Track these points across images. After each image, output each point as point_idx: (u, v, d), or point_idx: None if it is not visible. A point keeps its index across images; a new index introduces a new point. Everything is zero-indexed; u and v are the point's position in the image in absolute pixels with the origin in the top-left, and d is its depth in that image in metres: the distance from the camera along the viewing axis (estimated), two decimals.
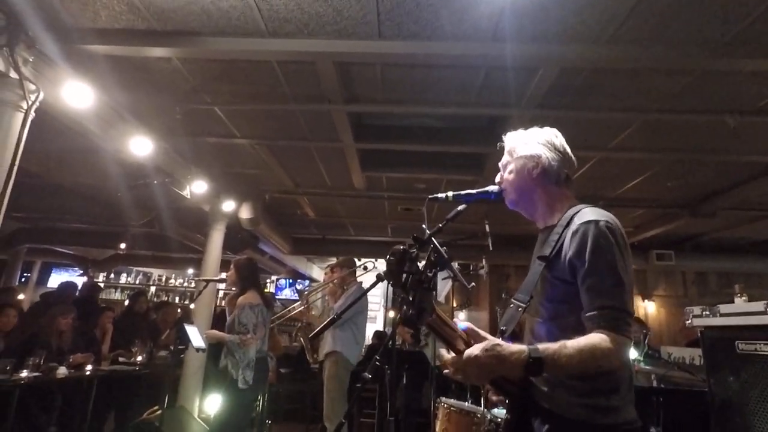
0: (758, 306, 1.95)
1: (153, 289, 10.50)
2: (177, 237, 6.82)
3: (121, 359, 4.70)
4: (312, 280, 10.03)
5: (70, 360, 4.07)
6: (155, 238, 7.50)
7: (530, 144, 1.41)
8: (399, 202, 5.65)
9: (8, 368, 3.35)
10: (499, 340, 1.11)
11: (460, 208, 1.43)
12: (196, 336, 3.50)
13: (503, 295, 4.88)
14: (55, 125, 3.10)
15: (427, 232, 1.45)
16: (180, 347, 3.99)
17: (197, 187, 4.54)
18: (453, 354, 1.13)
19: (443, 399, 3.10)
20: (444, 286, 7.52)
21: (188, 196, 4.61)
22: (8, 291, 5.50)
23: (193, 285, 10.18)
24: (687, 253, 6.80)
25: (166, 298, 10.01)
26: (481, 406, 2.87)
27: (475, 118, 3.76)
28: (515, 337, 1.29)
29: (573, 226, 1.24)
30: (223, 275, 3.58)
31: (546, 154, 1.38)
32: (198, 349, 3.48)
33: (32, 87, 2.56)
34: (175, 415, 4.28)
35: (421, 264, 0.99)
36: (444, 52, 2.58)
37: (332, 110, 3.34)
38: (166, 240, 7.21)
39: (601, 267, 1.17)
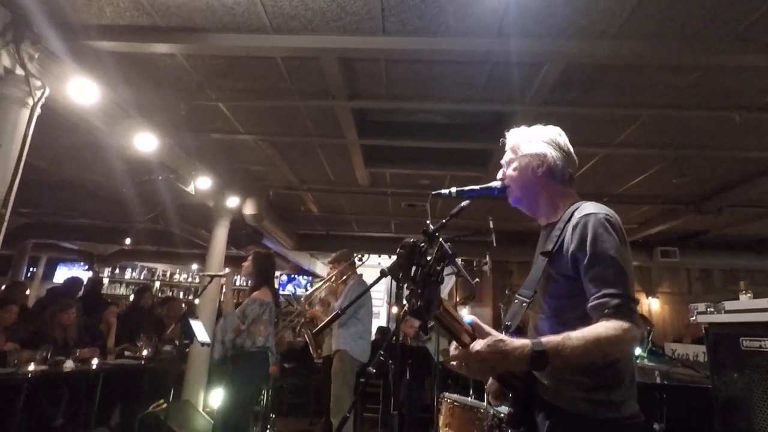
0: (763, 303, 1.94)
1: (157, 284, 10.56)
2: (181, 233, 6.85)
3: (126, 353, 4.75)
4: (315, 275, 10.05)
5: (77, 354, 4.11)
6: (160, 234, 7.55)
7: (535, 142, 1.40)
8: (402, 198, 5.65)
9: (15, 362, 3.39)
10: (503, 336, 1.11)
11: (463, 203, 1.43)
12: (200, 331, 3.52)
13: (506, 292, 4.88)
14: (61, 121, 3.12)
15: (431, 227, 1.45)
16: (185, 342, 4.02)
17: (202, 183, 4.56)
18: (459, 348, 1.13)
19: (446, 394, 3.12)
20: (447, 282, 7.53)
21: (193, 192, 4.63)
22: (18, 285, 5.56)
23: (197, 280, 10.24)
24: (691, 250, 6.77)
25: (170, 294, 10.06)
26: (484, 401, 2.88)
27: (479, 114, 3.75)
28: (520, 332, 1.29)
29: (573, 221, 1.25)
30: (227, 270, 3.59)
31: (551, 153, 1.37)
32: (203, 344, 3.50)
33: (38, 83, 2.58)
34: (180, 408, 4.32)
35: (430, 258, 1.00)
36: (448, 47, 2.57)
37: (336, 106, 3.34)
38: (170, 235, 7.25)
39: (602, 257, 1.17)
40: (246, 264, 3.54)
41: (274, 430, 4.23)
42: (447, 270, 1.05)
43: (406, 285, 1.01)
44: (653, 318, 7.38)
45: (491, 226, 3.64)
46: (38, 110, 2.60)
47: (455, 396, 3.11)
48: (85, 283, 6.04)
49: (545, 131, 1.42)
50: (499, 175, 1.47)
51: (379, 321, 9.33)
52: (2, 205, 2.39)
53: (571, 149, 1.42)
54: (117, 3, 2.45)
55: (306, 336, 4.74)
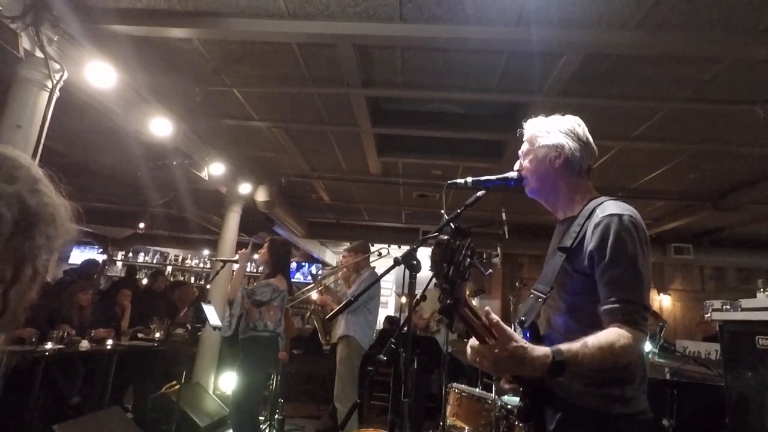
0: None
1: (169, 268, 10.71)
2: (194, 218, 6.93)
3: (140, 335, 4.84)
4: (325, 264, 10.12)
5: (92, 334, 4.21)
6: (173, 219, 7.63)
7: (553, 133, 1.37)
8: (414, 188, 5.63)
9: (34, 340, 3.48)
10: (524, 342, 1.08)
11: (479, 193, 1.42)
12: (212, 315, 3.58)
13: (517, 285, 4.86)
14: (79, 105, 3.15)
15: (445, 217, 1.45)
16: (197, 325, 4.09)
17: (215, 169, 4.59)
18: (477, 342, 1.12)
19: (455, 384, 3.14)
20: None
21: (206, 178, 4.67)
22: None
23: (208, 265, 10.36)
24: (706, 248, 6.66)
25: (182, 278, 10.21)
26: (492, 392, 2.89)
27: (494, 104, 3.70)
28: (534, 327, 1.29)
29: (595, 219, 1.23)
30: (237, 256, 3.61)
31: (569, 145, 1.35)
32: (215, 328, 3.55)
33: (57, 66, 2.60)
34: (191, 391, 4.41)
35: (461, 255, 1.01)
36: (467, 36, 2.53)
37: (350, 94, 3.32)
38: (183, 220, 7.33)
39: (621, 261, 1.15)
40: (262, 251, 3.51)
41: (283, 415, 4.29)
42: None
43: (436, 283, 1.02)
44: (664, 315, 7.30)
45: (504, 218, 3.62)
46: (57, 93, 2.63)
47: (463, 386, 3.13)
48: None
49: (564, 121, 1.40)
50: (516, 165, 1.45)
51: (388, 310, 9.38)
52: None
53: (591, 140, 1.39)
54: None
55: (315, 322, 4.78)
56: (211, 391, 4.82)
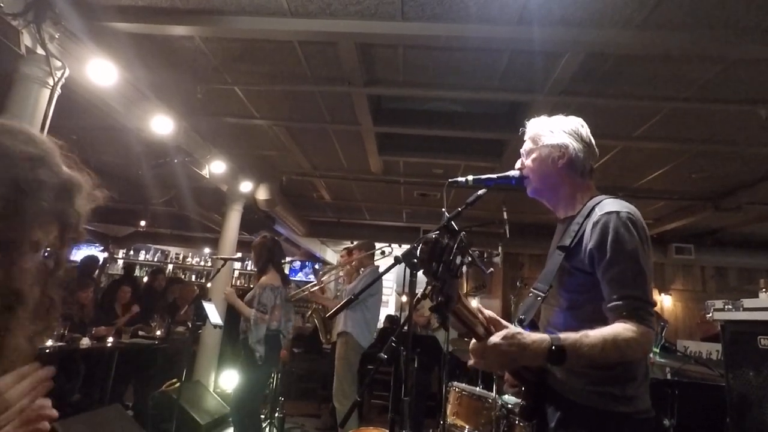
0: None
1: (170, 266, 10.72)
2: (195, 216, 6.92)
3: (140, 333, 4.85)
4: (325, 262, 10.12)
5: (92, 332, 4.21)
6: (174, 217, 7.63)
7: (557, 133, 1.37)
8: (415, 187, 5.63)
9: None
10: (519, 329, 1.11)
11: (480, 192, 1.42)
12: (213, 313, 3.58)
13: (518, 284, 4.86)
14: (81, 103, 3.15)
15: (446, 215, 1.44)
16: (198, 323, 4.09)
17: (216, 167, 4.59)
18: (475, 342, 1.13)
19: (455, 383, 3.13)
20: None
21: (207, 176, 4.67)
22: None
23: (209, 264, 10.37)
24: (707, 248, 6.65)
25: (182, 276, 10.22)
26: (492, 391, 2.89)
27: (496, 103, 3.70)
28: (533, 326, 1.29)
29: (594, 217, 1.23)
30: (239, 254, 3.62)
31: (573, 145, 1.35)
32: (215, 326, 3.55)
33: (58, 63, 2.60)
34: (192, 388, 4.41)
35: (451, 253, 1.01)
36: (469, 34, 2.53)
37: (352, 92, 3.32)
38: (184, 219, 7.32)
39: (622, 258, 1.15)
40: (253, 249, 3.57)
41: (283, 413, 4.29)
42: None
43: (427, 281, 1.01)
44: (665, 315, 7.29)
45: (505, 217, 3.62)
46: (58, 90, 2.62)
47: (464, 385, 3.12)
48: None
49: (567, 122, 1.40)
50: (518, 164, 1.44)
51: (388, 309, 9.38)
52: None
53: (593, 141, 1.40)
54: None
55: (316, 321, 4.78)
56: (211, 389, 4.82)
